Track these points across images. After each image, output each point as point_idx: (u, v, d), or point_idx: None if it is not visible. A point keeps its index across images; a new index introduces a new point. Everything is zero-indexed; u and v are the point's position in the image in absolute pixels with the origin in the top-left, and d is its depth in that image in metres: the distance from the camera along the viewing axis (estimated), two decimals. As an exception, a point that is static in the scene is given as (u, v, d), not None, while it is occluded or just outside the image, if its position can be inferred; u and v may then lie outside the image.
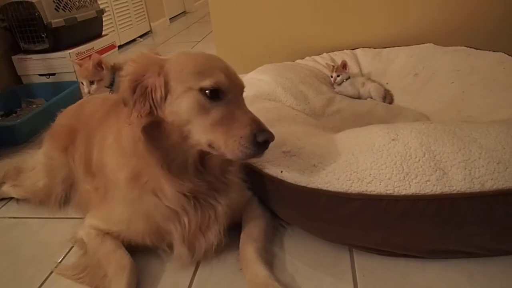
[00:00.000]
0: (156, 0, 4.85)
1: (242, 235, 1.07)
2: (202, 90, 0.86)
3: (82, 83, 0.90)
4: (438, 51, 1.84)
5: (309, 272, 1.01)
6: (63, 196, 1.35)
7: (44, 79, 2.57)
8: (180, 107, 0.88)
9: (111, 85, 0.91)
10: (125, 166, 0.97)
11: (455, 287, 0.92)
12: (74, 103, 1.52)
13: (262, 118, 1.33)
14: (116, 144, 0.99)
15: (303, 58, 2.12)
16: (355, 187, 0.94)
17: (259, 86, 1.70)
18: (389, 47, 2.04)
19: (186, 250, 1.02)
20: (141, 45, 4.19)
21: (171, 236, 1.02)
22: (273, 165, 1.09)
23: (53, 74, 2.56)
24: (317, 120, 1.60)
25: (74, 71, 2.50)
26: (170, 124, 0.90)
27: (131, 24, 4.27)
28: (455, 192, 0.87)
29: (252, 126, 0.86)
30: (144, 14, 4.56)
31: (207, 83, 0.86)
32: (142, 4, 4.52)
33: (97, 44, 2.81)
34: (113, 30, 3.87)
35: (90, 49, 2.71)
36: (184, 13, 5.99)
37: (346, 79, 1.87)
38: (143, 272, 1.05)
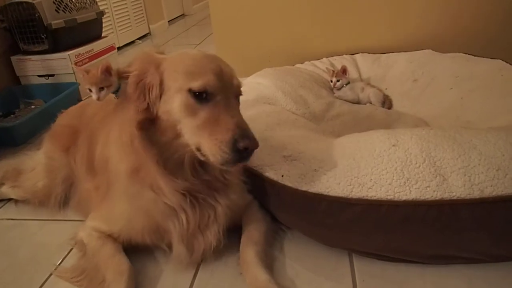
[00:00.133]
0: (155, 3, 4.86)
1: (243, 238, 1.07)
2: (190, 91, 0.87)
3: (90, 89, 0.90)
4: (437, 57, 1.86)
5: (309, 277, 1.01)
6: (63, 197, 1.35)
7: (43, 80, 2.56)
8: (172, 106, 0.89)
9: (116, 91, 0.92)
10: (125, 160, 0.98)
11: (455, 293, 0.93)
12: (73, 104, 1.52)
13: (262, 122, 1.36)
14: (120, 139, 1.00)
15: (303, 63, 2.13)
16: (356, 192, 0.95)
17: (259, 90, 1.71)
18: (388, 52, 2.05)
19: (184, 249, 1.02)
20: (140, 47, 4.19)
21: (169, 234, 1.02)
22: (274, 169, 1.09)
23: (52, 75, 2.55)
24: (317, 124, 1.61)
25: (74, 73, 2.51)
26: (164, 122, 0.92)
27: (130, 26, 4.27)
28: (455, 198, 0.88)
29: (235, 131, 0.84)
30: (143, 16, 4.56)
31: (195, 84, 0.86)
32: (141, 6, 4.52)
33: (97, 45, 2.80)
34: (112, 32, 3.87)
35: (89, 51, 2.70)
36: (183, 15, 6.00)
37: (346, 84, 1.88)
38: (142, 275, 1.05)
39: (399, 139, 1.00)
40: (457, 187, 0.88)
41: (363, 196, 0.94)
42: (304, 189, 1.01)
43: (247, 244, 1.04)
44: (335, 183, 0.98)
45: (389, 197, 0.91)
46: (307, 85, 1.80)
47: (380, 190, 0.92)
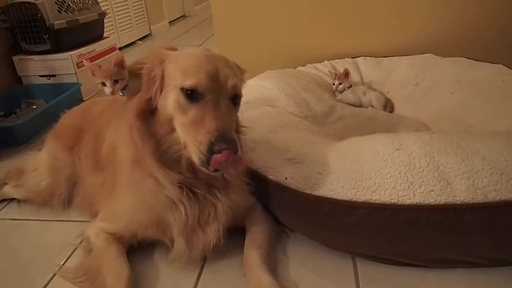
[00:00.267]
0: (156, 4, 4.86)
1: (246, 241, 1.07)
2: (183, 89, 0.88)
3: (103, 83, 0.92)
4: (438, 61, 1.86)
5: (312, 279, 1.01)
6: (66, 196, 1.36)
7: (44, 80, 2.56)
8: (167, 102, 0.92)
9: (122, 89, 0.93)
10: (128, 148, 1.00)
11: (457, 297, 0.93)
12: (74, 105, 1.53)
13: (265, 124, 1.36)
14: (128, 130, 1.01)
15: (305, 65, 2.13)
16: (360, 196, 0.95)
17: (262, 92, 1.71)
18: (390, 56, 2.06)
19: (184, 242, 1.02)
20: (140, 47, 4.19)
21: (170, 228, 1.02)
22: (277, 172, 1.10)
23: (54, 76, 2.55)
24: (319, 127, 1.61)
25: (75, 73, 2.51)
26: (162, 115, 0.94)
27: (131, 26, 4.28)
28: (459, 202, 0.88)
29: (214, 134, 0.83)
30: (144, 17, 4.57)
31: (186, 83, 0.88)
32: (142, 7, 4.53)
33: (98, 46, 2.80)
34: (113, 32, 3.87)
35: (91, 51, 2.70)
36: (183, 17, 6.00)
37: (348, 88, 1.88)
38: (144, 278, 1.05)
39: (402, 143, 1.00)
40: (461, 192, 0.89)
41: (367, 200, 0.94)
42: (307, 192, 1.02)
43: (251, 247, 1.05)
44: (339, 186, 0.98)
45: (393, 201, 0.92)
46: (309, 88, 1.81)
47: (384, 193, 0.93)
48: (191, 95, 0.88)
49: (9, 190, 1.43)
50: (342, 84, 1.87)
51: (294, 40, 2.21)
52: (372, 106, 1.84)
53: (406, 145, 0.99)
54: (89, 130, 1.30)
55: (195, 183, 0.99)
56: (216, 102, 0.89)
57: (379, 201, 0.93)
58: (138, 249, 1.12)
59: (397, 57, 2.03)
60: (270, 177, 1.10)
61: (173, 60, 0.94)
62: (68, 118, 1.44)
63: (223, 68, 0.92)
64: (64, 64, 2.52)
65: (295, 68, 2.09)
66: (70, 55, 2.50)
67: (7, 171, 1.47)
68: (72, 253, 1.17)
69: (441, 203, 0.89)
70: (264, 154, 1.17)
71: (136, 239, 1.10)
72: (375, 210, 0.93)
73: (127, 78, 0.98)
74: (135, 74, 0.96)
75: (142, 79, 0.95)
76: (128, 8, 4.22)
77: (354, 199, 0.95)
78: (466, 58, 1.81)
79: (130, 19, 4.25)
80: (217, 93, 0.90)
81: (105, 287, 0.98)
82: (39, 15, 2.39)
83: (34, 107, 2.34)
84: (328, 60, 2.14)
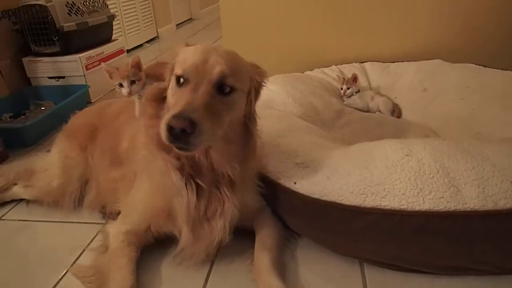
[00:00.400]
0: (164, 7, 4.90)
1: (257, 244, 1.08)
2: (176, 76, 0.94)
3: (120, 84, 0.95)
4: (446, 67, 1.86)
5: (320, 284, 1.02)
6: (77, 195, 1.37)
7: (53, 82, 2.59)
8: (169, 89, 0.98)
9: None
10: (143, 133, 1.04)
11: (465, 304, 0.93)
12: (83, 107, 1.54)
13: (274, 128, 1.37)
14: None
15: (312, 70, 2.14)
16: (369, 201, 0.95)
17: (270, 96, 1.71)
18: (398, 61, 2.06)
19: (189, 232, 1.02)
20: (148, 50, 4.22)
21: (177, 217, 1.04)
22: (286, 176, 1.10)
23: (63, 77, 2.58)
24: (327, 132, 1.61)
25: (84, 75, 2.53)
26: (168, 101, 0.98)
27: (139, 29, 4.30)
28: (468, 209, 0.88)
29: (175, 111, 0.82)
30: (151, 20, 4.60)
31: (176, 70, 0.94)
32: (150, 10, 4.56)
33: (107, 48, 2.83)
34: (121, 35, 3.90)
35: (100, 54, 2.73)
36: (190, 19, 6.04)
37: (356, 93, 1.88)
38: (152, 282, 1.06)
39: (412, 149, 1.00)
40: (471, 199, 0.88)
41: (376, 205, 0.94)
42: (316, 196, 1.02)
43: (261, 250, 1.05)
44: (348, 192, 0.98)
45: (402, 207, 0.92)
46: (317, 92, 1.81)
47: (394, 199, 0.93)
48: (178, 81, 0.93)
49: (18, 191, 1.44)
50: (350, 89, 1.88)
51: (302, 44, 2.22)
52: (380, 111, 1.84)
53: (415, 151, 0.99)
54: (104, 129, 1.33)
55: (197, 173, 1.00)
56: (196, 86, 0.89)
57: (388, 207, 0.93)
58: (147, 255, 1.13)
59: (405, 62, 2.03)
60: (279, 181, 1.10)
61: (182, 53, 0.99)
62: (81, 118, 1.46)
63: (216, 57, 0.92)
64: (73, 66, 2.54)
65: (303, 73, 2.09)
66: (79, 57, 2.52)
67: (16, 172, 1.48)
68: (80, 254, 1.18)
69: (450, 210, 0.88)
70: (273, 158, 1.17)
71: (151, 234, 1.11)
72: (384, 216, 0.93)
73: (143, 80, 1.01)
74: (152, 75, 0.99)
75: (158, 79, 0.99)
76: (136, 11, 4.25)
77: (363, 205, 0.95)
78: (475, 64, 1.80)
79: (138, 22, 4.28)
80: (199, 78, 0.90)
81: None
82: (49, 18, 2.41)
83: (42, 108, 2.36)
84: (336, 65, 2.14)
